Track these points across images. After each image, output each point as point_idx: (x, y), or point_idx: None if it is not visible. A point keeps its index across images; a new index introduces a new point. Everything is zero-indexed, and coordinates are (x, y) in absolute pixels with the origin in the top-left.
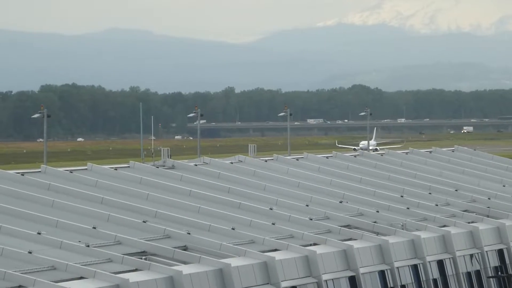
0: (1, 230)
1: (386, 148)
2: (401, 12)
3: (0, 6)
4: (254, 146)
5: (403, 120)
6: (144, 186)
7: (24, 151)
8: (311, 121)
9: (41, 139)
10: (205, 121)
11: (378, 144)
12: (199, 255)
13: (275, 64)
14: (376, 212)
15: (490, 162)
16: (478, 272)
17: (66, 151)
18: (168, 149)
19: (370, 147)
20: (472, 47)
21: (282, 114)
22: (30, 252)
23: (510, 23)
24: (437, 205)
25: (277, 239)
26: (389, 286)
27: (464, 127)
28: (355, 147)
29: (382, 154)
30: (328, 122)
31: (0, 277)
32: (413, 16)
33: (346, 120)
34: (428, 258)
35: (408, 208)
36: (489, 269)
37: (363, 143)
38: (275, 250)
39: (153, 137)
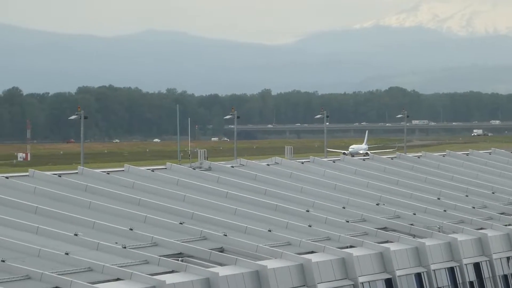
0: (38, 231)
1: (373, 152)
2: (438, 15)
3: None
4: (291, 148)
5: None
6: (180, 188)
7: (61, 152)
8: (416, 122)
9: (72, 140)
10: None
11: (369, 149)
12: (236, 257)
13: (311, 66)
14: (413, 215)
15: None
16: None
17: (103, 153)
18: (204, 151)
19: (361, 151)
20: (509, 50)
21: (318, 116)
22: (67, 254)
23: None
24: (474, 207)
25: (313, 241)
26: None
27: (474, 130)
28: (345, 152)
29: (364, 159)
30: (433, 123)
31: (37, 278)
32: (450, 18)
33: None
34: (465, 261)
35: (445, 211)
36: None
37: (353, 147)
38: (312, 252)
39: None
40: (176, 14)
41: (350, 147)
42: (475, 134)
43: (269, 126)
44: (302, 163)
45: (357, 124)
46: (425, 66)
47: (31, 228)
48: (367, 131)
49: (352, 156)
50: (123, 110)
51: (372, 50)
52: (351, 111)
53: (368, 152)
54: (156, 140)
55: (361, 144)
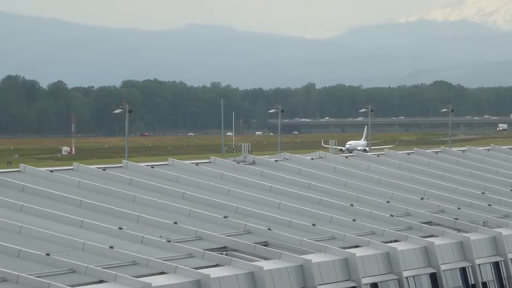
0: (82, 225)
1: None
2: (483, 9)
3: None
4: (335, 142)
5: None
6: (225, 182)
7: (106, 146)
8: (502, 126)
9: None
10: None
11: (368, 144)
12: (280, 251)
13: (356, 59)
14: (458, 209)
15: None
16: None
17: (148, 146)
18: (248, 145)
19: (359, 147)
20: None
21: (363, 110)
22: (111, 247)
23: None
24: None
25: (358, 235)
26: (470, 283)
27: (500, 125)
28: (342, 148)
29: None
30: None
31: (81, 271)
32: (495, 12)
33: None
34: (510, 255)
35: (489, 205)
36: None
37: (350, 143)
38: (356, 246)
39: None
40: (220, 9)
41: (347, 143)
42: (500, 128)
43: (326, 118)
44: (346, 157)
45: (402, 117)
46: (470, 60)
47: (76, 222)
48: (366, 126)
49: (350, 152)
50: (168, 104)
51: (417, 44)
52: (395, 105)
53: (366, 148)
54: (190, 134)
55: (359, 140)
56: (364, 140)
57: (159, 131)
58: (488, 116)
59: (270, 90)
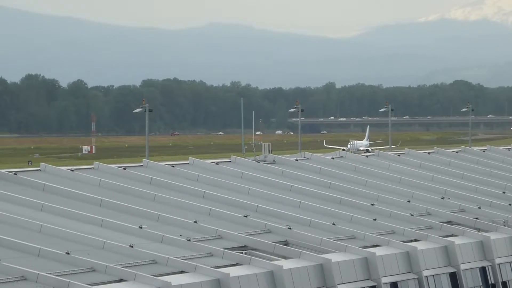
0: (103, 224)
1: (377, 148)
2: (503, 8)
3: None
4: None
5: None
6: (245, 181)
7: (126, 145)
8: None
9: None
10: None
11: (370, 145)
12: (300, 250)
13: (376, 59)
14: (478, 208)
15: None
16: None
17: (168, 146)
18: (269, 144)
19: (362, 148)
20: None
21: (383, 109)
22: (131, 246)
23: None
24: None
25: (378, 234)
26: (490, 282)
27: None
28: (343, 148)
29: (367, 156)
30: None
31: (101, 270)
32: None
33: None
34: None
35: (510, 205)
36: None
37: (352, 143)
38: (376, 245)
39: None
40: (241, 8)
41: (349, 143)
42: None
43: (353, 119)
44: (367, 156)
45: (429, 117)
46: (490, 60)
47: (96, 221)
48: (368, 127)
49: (352, 153)
50: (188, 103)
51: (437, 43)
52: (415, 104)
53: (369, 148)
54: (220, 133)
55: (362, 140)
56: (366, 140)
57: (178, 130)
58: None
59: (290, 89)
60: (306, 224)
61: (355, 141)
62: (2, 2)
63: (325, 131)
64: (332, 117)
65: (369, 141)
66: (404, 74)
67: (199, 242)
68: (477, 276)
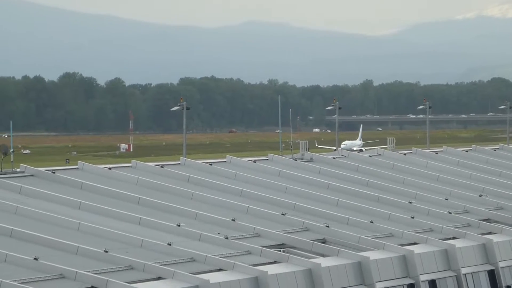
0: (141, 222)
1: (371, 149)
2: None
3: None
4: (393, 139)
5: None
6: (282, 179)
7: (164, 143)
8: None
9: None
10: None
11: (364, 145)
12: (338, 248)
13: (413, 56)
14: None
15: None
16: None
17: (205, 144)
18: (306, 142)
19: (355, 148)
20: None
21: (421, 107)
22: (169, 244)
23: None
24: None
25: (416, 232)
26: None
27: None
28: (335, 148)
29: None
30: None
31: (139, 268)
32: None
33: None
34: None
35: None
36: None
37: (345, 143)
38: (414, 243)
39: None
40: (278, 6)
41: (343, 143)
42: None
43: (409, 116)
44: (404, 154)
45: (463, 115)
46: None
47: (134, 219)
48: (361, 126)
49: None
50: (225, 101)
51: (475, 40)
52: (453, 102)
53: (362, 148)
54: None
55: (355, 140)
56: (360, 140)
57: (216, 128)
58: None
59: (327, 87)
60: (344, 222)
61: (349, 141)
62: (41, 1)
63: (380, 128)
64: (368, 115)
65: (362, 140)
66: (441, 72)
67: (237, 240)
68: None
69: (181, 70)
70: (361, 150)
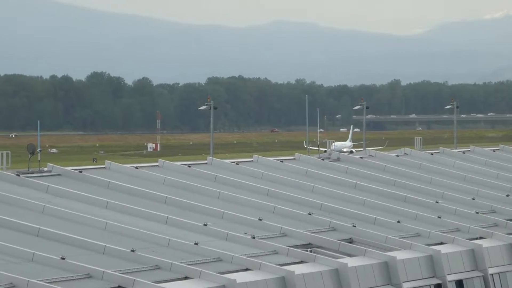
0: (168, 222)
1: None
2: None
3: None
4: (420, 139)
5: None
6: (309, 178)
7: (191, 143)
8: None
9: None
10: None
11: (354, 146)
12: (365, 248)
13: (441, 56)
14: None
15: None
16: None
17: (232, 143)
18: (333, 142)
19: (345, 149)
20: None
21: (448, 107)
22: (196, 244)
23: None
24: None
25: (443, 232)
26: None
27: None
28: (326, 149)
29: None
30: None
31: (166, 268)
32: None
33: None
34: None
35: None
36: None
37: (336, 145)
38: (441, 243)
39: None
40: (305, 5)
41: (333, 144)
42: None
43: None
44: (432, 154)
45: (492, 114)
46: None
47: (161, 218)
48: (351, 126)
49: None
50: (252, 101)
51: (503, 40)
52: (481, 101)
53: (353, 150)
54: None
55: (346, 141)
56: (350, 141)
57: (243, 128)
58: None
59: (355, 86)
60: (370, 222)
61: (339, 142)
62: (68, 1)
63: (420, 128)
64: (394, 115)
65: (353, 141)
66: (470, 72)
67: (263, 240)
68: None
69: (208, 69)
70: (351, 152)
